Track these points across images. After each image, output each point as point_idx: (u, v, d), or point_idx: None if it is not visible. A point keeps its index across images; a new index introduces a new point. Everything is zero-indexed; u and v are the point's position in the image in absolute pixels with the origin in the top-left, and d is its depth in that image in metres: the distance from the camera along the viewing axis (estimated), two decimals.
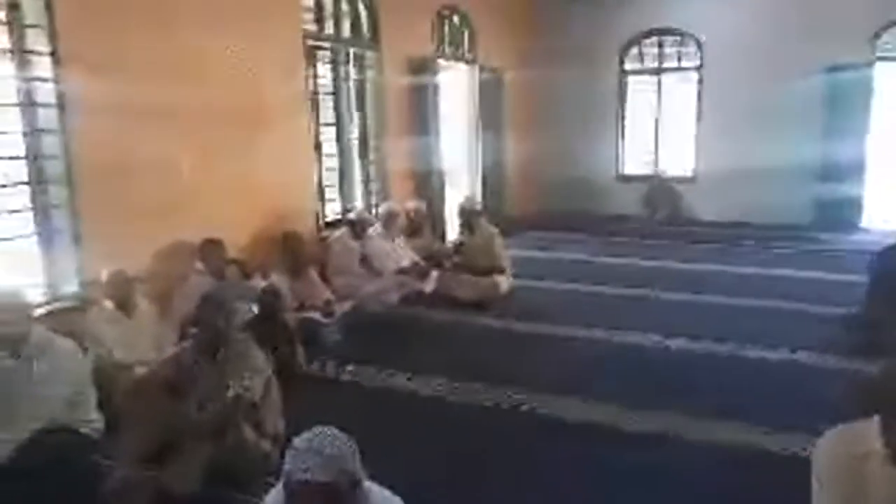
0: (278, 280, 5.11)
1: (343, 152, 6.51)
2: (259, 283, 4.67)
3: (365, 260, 6.12)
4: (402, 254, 6.48)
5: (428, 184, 7.53)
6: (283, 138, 5.49)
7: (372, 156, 6.94)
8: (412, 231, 6.83)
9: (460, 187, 9.17)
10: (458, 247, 6.33)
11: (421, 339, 5.19)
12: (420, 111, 7.39)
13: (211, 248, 4.52)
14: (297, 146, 5.70)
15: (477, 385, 4.17)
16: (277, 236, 5.29)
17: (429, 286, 6.25)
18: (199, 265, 4.53)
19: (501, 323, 5.45)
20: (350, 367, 4.52)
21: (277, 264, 5.20)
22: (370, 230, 6.36)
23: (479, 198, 8.86)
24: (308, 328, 4.94)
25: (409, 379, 4.32)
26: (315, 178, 5.99)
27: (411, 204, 6.86)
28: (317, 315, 5.09)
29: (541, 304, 6.00)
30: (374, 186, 7.00)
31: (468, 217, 6.27)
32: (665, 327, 5.11)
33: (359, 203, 6.79)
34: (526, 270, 6.86)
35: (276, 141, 5.41)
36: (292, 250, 5.24)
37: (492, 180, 9.05)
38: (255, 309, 4.55)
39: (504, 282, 6.09)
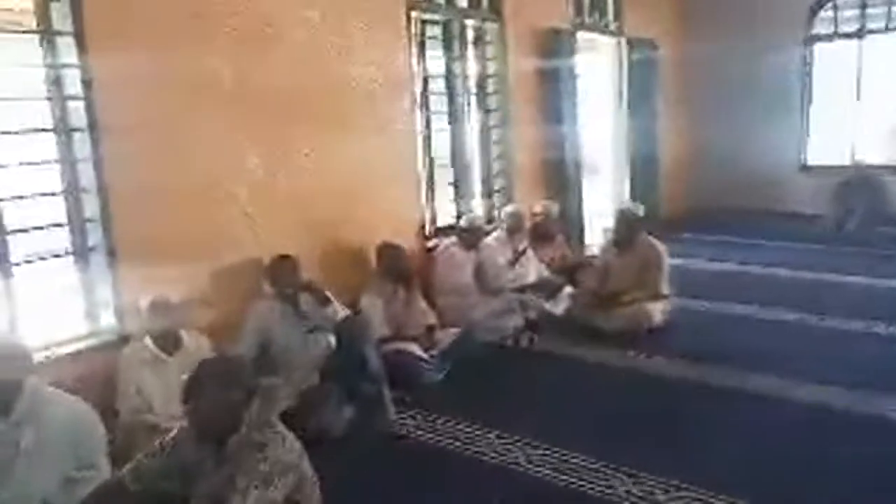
0: (369, 304, 4.19)
1: (457, 146, 5.46)
2: (340, 309, 3.74)
3: (479, 275, 5.06)
4: (528, 267, 5.34)
5: (562, 181, 6.30)
6: (378, 132, 4.55)
7: (494, 150, 5.84)
8: (541, 238, 5.66)
9: (603, 184, 7.84)
10: (605, 267, 5.06)
11: (545, 384, 4.02)
12: (553, 94, 6.16)
13: (281, 267, 3.66)
14: (398, 141, 4.73)
15: (620, 470, 2.96)
16: (371, 250, 4.36)
17: (559, 307, 5.06)
18: (267, 288, 3.70)
19: (654, 365, 4.15)
20: (448, 424, 3.48)
21: (370, 284, 4.28)
22: (489, 238, 5.28)
23: (626, 195, 7.51)
24: (402, 365, 3.97)
25: (527, 455, 3.19)
26: (421, 178, 4.99)
27: (540, 206, 5.69)
28: (414, 347, 4.11)
29: (707, 337, 4.60)
30: (495, 186, 5.89)
31: (627, 229, 4.95)
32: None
33: (476, 206, 5.71)
34: (684, 287, 5.43)
35: (369, 135, 4.48)
36: (388, 266, 4.30)
37: (642, 175, 7.60)
38: (332, 342, 3.67)
39: (660, 310, 4.75)
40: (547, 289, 5.21)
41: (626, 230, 4.90)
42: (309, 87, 4.08)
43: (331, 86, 4.23)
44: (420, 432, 3.45)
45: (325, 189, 4.20)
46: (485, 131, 5.77)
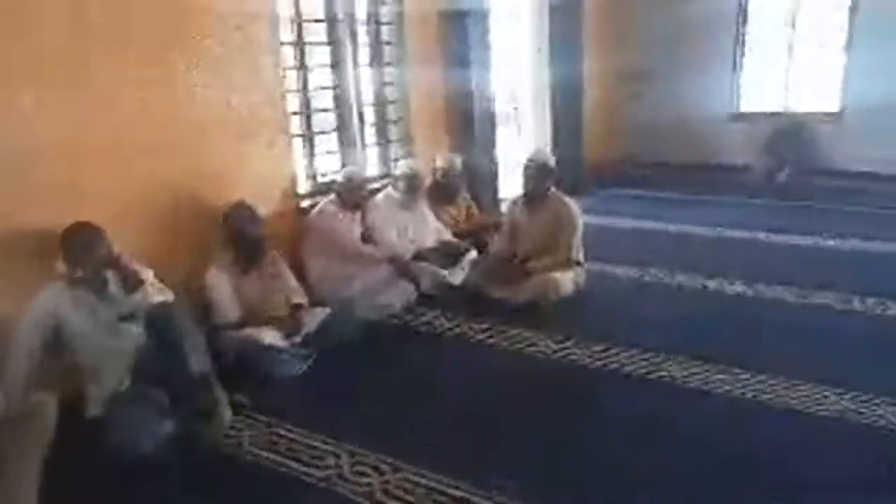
0: (213, 281, 3.39)
1: (342, 87, 4.59)
2: (154, 292, 2.89)
3: (365, 240, 4.29)
4: (425, 230, 4.60)
5: (470, 131, 5.52)
6: (230, 66, 3.65)
7: (389, 94, 5.00)
8: (442, 196, 4.91)
9: (520, 134, 7.12)
10: (512, 226, 4.36)
11: (423, 375, 3.32)
12: (459, 33, 5.32)
13: (75, 239, 2.76)
14: (257, 79, 3.81)
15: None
16: (216, 215, 3.52)
17: (459, 276, 4.36)
18: (60, 267, 2.82)
19: (563, 348, 3.49)
20: (293, 437, 2.75)
21: (215, 257, 3.46)
22: (378, 196, 4.50)
23: (547, 146, 6.81)
24: (247, 359, 3.20)
25: (383, 482, 2.48)
26: (289, 125, 4.11)
27: (441, 159, 4.92)
28: (268, 334, 3.33)
29: (622, 312, 3.99)
30: (391, 135, 5.08)
31: (536, 181, 4.20)
32: (846, 370, 3.06)
33: (366, 159, 4.89)
34: (603, 250, 4.82)
35: (218, 71, 3.58)
36: (235, 233, 3.46)
37: (564, 124, 6.90)
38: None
39: (571, 279, 4.09)
40: (447, 254, 4.49)
41: (535, 182, 4.17)
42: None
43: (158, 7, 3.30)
44: (255, 449, 2.70)
45: (155, 140, 3.30)
46: (377, 71, 4.92)
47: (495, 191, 5.91)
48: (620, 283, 4.45)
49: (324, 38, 4.47)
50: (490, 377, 3.27)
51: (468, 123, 5.50)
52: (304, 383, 3.22)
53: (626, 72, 7.96)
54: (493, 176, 5.89)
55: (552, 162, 4.27)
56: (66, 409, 2.72)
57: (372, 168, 4.95)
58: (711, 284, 4.32)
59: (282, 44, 3.98)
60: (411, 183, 4.44)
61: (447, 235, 4.70)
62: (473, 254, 4.59)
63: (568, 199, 4.21)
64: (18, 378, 2.65)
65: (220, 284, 3.40)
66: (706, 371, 3.14)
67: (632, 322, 3.77)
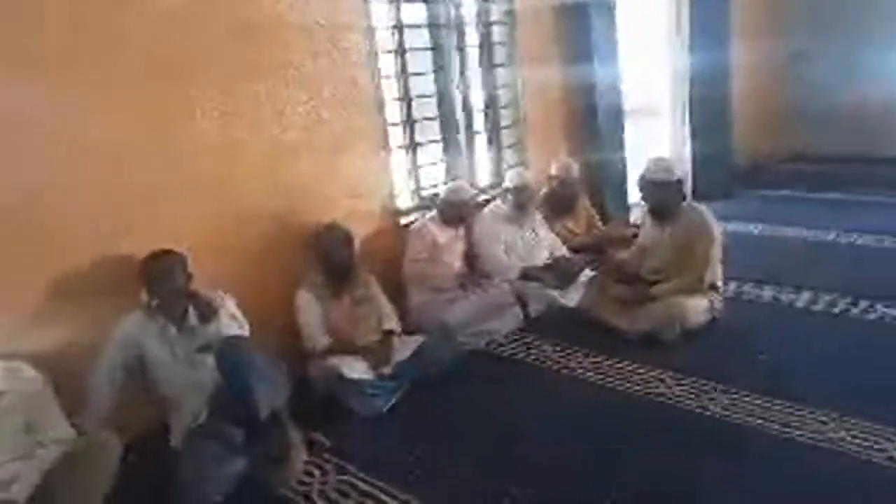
0: (302, 306, 3.22)
1: (446, 93, 4.29)
2: (231, 322, 2.76)
3: (470, 260, 3.98)
4: (538, 245, 4.19)
5: (593, 131, 5.02)
6: (321, 81, 3.47)
7: (501, 97, 4.64)
8: (558, 207, 4.47)
9: (657, 132, 6.44)
10: (642, 243, 3.85)
11: (523, 422, 2.87)
12: (580, 23, 4.85)
13: (156, 268, 2.69)
14: (352, 90, 3.62)
15: None
16: (307, 236, 3.36)
17: (571, 298, 3.91)
18: (143, 295, 2.78)
19: (686, 393, 2.93)
20: (368, 484, 2.49)
21: (304, 281, 3.29)
22: (486, 210, 4.16)
23: (686, 151, 6.12)
24: (334, 390, 3.00)
25: None
26: (387, 137, 3.87)
27: (556, 166, 4.48)
28: (355, 365, 3.10)
29: (773, 347, 3.30)
30: (504, 141, 4.71)
31: (656, 201, 3.64)
32: None
33: (475, 169, 4.55)
34: (746, 266, 4.17)
35: (308, 87, 3.42)
36: (323, 256, 3.28)
37: (707, 118, 6.13)
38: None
39: (704, 307, 3.50)
40: (562, 273, 4.06)
41: (656, 200, 3.62)
42: (207, 24, 3.06)
43: (243, 24, 3.19)
44: (328, 493, 2.48)
45: (240, 166, 3.20)
46: (488, 74, 4.57)
47: (624, 197, 5.35)
48: (767, 310, 3.76)
49: (427, 44, 4.20)
50: (592, 422, 2.81)
51: (591, 124, 5.01)
52: (389, 421, 2.96)
53: (785, 54, 6.97)
54: (622, 181, 5.33)
55: (674, 173, 3.65)
56: (153, 438, 2.73)
57: (483, 178, 4.62)
58: (891, 313, 3.52)
59: (379, 53, 3.76)
60: (520, 195, 4.05)
61: (562, 251, 4.26)
62: (588, 275, 4.12)
63: (704, 211, 3.60)
64: (101, 402, 2.62)
65: (309, 308, 3.23)
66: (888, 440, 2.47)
67: (781, 363, 3.11)
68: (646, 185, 3.66)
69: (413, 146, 4.13)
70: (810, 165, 6.92)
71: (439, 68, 4.24)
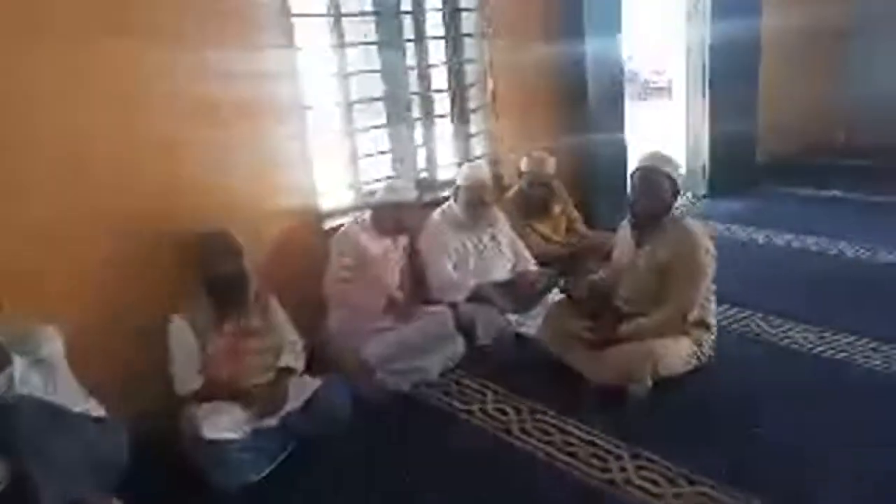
0: (175, 335, 2.55)
1: (395, 68, 3.54)
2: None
3: (413, 276, 3.28)
4: (496, 258, 3.46)
5: (581, 119, 4.22)
6: (194, 42, 2.76)
7: (467, 74, 3.87)
8: (528, 210, 3.72)
9: (669, 115, 5.58)
10: (617, 258, 3.07)
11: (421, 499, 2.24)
12: None
13: None
14: (264, 62, 2.92)
15: None
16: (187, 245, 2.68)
17: (531, 323, 3.18)
18: None
19: (655, 489, 2.21)
20: None
21: (185, 302, 2.62)
22: (436, 214, 3.44)
23: (703, 138, 5.28)
24: (190, 449, 2.35)
25: None
26: (306, 123, 3.13)
27: (527, 161, 3.71)
28: (224, 418, 2.43)
29: (786, 424, 2.50)
30: (471, 127, 3.95)
31: (647, 202, 2.78)
32: None
33: (425, 162, 3.81)
34: (760, 290, 3.40)
35: (208, 56, 2.72)
36: (203, 271, 2.60)
37: (728, 101, 5.25)
38: None
39: (686, 351, 2.73)
40: (522, 293, 3.33)
41: (646, 201, 2.79)
42: None
43: None
44: None
45: (98, 154, 2.54)
46: (452, 45, 3.80)
47: (621, 196, 4.52)
48: (776, 356, 2.95)
49: (371, 6, 3.45)
50: None
51: (580, 107, 4.21)
52: (258, 497, 2.31)
53: (826, 28, 6.00)
54: (618, 176, 4.51)
55: (675, 170, 2.84)
56: None
57: (445, 172, 3.88)
58: None
59: (293, 13, 3.02)
60: (473, 193, 3.31)
61: (528, 264, 3.52)
62: (555, 298, 3.39)
63: (694, 227, 2.81)
64: None
65: (180, 339, 2.55)
66: None
67: (784, 444, 2.34)
68: (633, 177, 2.88)
69: (351, 132, 3.42)
70: (852, 161, 5.99)
71: (386, 39, 3.49)
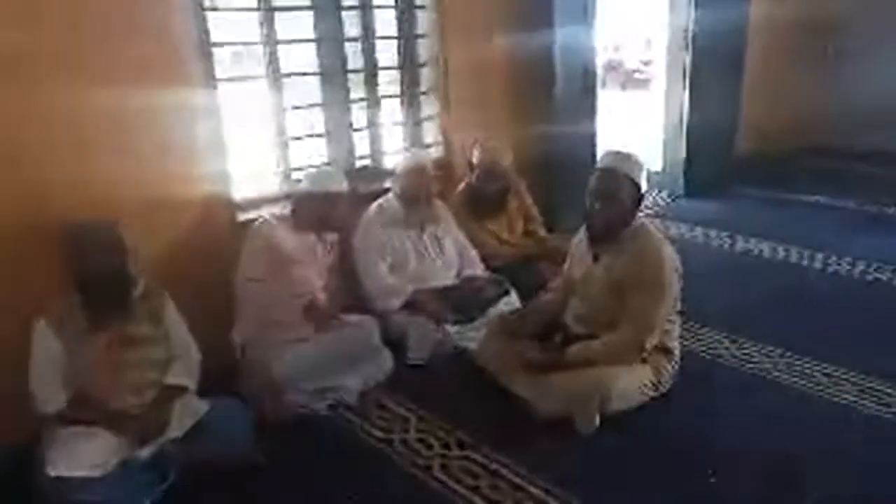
0: (39, 341, 2.13)
1: (329, 34, 3.11)
2: None
3: (341, 279, 2.88)
4: (439, 260, 3.07)
5: (546, 105, 3.82)
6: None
7: (420, 51, 3.46)
8: (478, 207, 3.33)
9: (647, 105, 5.20)
10: (569, 268, 2.68)
11: None
12: None
13: None
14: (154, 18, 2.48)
15: None
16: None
17: (471, 338, 2.80)
18: None
19: None
20: None
21: (48, 305, 2.20)
22: (373, 207, 3.04)
23: (682, 133, 4.92)
24: (40, 486, 1.95)
25: None
26: (211, 97, 2.68)
27: (478, 152, 3.31)
28: (90, 447, 2.02)
29: (749, 471, 2.14)
30: (422, 111, 3.54)
31: (606, 207, 2.41)
32: None
33: (367, 148, 3.40)
34: (729, 305, 3.06)
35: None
36: (78, 268, 2.16)
37: (710, 91, 4.87)
38: None
39: (641, 381, 2.35)
40: (463, 301, 2.94)
41: (606, 207, 2.42)
42: None
43: None
44: None
45: None
46: (402, 17, 3.38)
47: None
48: (746, 385, 2.58)
49: None
50: None
51: (545, 93, 3.81)
52: None
53: (819, 20, 5.64)
54: (586, 170, 4.12)
55: (638, 172, 2.45)
56: None
57: (389, 160, 3.47)
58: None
59: None
60: (411, 186, 2.92)
61: (476, 268, 3.13)
62: (512, 299, 3.02)
63: (659, 241, 2.43)
64: None
65: (43, 347, 2.13)
66: None
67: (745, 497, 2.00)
68: (590, 179, 2.50)
69: (278, 111, 2.99)
70: (837, 164, 5.66)
71: (323, 4, 3.06)
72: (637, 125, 5.65)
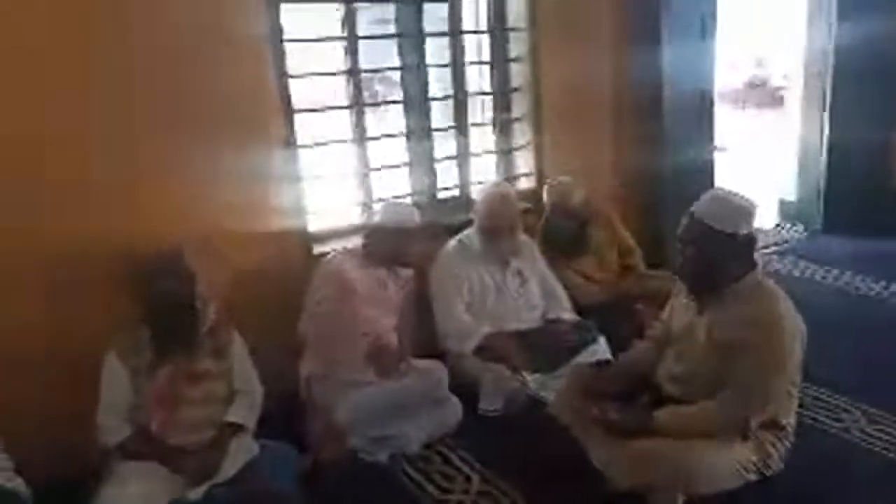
0: (107, 374, 2.15)
1: (413, 72, 3.00)
2: None
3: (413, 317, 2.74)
4: (520, 299, 2.84)
5: (652, 131, 3.49)
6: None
7: (513, 76, 3.27)
8: (558, 244, 3.05)
9: (772, 132, 4.67)
10: (666, 329, 2.34)
11: None
12: None
13: None
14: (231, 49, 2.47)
15: None
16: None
17: (551, 388, 2.55)
18: None
19: None
20: None
21: (116, 339, 2.22)
22: (451, 243, 2.88)
23: (820, 157, 4.38)
24: None
25: None
26: (277, 124, 2.64)
27: (548, 190, 3.05)
28: (139, 484, 1.98)
29: None
30: (514, 140, 3.34)
31: (697, 265, 2.03)
32: None
33: (457, 179, 3.24)
34: (870, 368, 2.58)
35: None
36: (148, 300, 2.16)
37: (855, 112, 4.26)
38: None
39: (742, 459, 1.95)
40: (543, 348, 2.69)
41: (696, 264, 2.07)
42: None
43: None
44: None
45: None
46: (494, 41, 3.22)
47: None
48: (875, 467, 2.16)
49: None
50: None
51: (653, 118, 3.48)
52: None
53: None
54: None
55: (740, 223, 2.05)
56: None
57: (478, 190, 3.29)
58: None
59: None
60: (488, 219, 2.72)
61: (563, 310, 2.87)
62: (601, 347, 2.73)
63: (775, 295, 2.01)
64: None
65: (112, 381, 2.16)
66: None
67: None
68: (685, 227, 2.16)
69: (362, 138, 2.93)
70: None
71: (404, 29, 2.96)
72: (772, 147, 5.09)
